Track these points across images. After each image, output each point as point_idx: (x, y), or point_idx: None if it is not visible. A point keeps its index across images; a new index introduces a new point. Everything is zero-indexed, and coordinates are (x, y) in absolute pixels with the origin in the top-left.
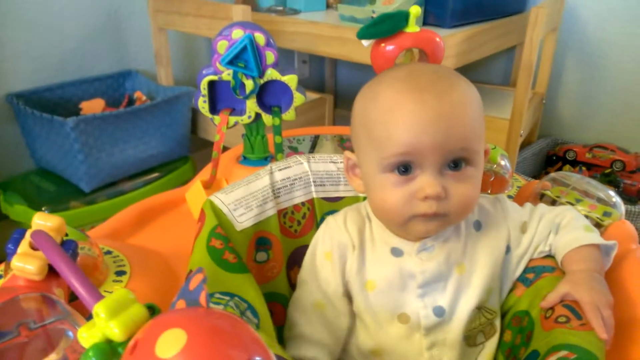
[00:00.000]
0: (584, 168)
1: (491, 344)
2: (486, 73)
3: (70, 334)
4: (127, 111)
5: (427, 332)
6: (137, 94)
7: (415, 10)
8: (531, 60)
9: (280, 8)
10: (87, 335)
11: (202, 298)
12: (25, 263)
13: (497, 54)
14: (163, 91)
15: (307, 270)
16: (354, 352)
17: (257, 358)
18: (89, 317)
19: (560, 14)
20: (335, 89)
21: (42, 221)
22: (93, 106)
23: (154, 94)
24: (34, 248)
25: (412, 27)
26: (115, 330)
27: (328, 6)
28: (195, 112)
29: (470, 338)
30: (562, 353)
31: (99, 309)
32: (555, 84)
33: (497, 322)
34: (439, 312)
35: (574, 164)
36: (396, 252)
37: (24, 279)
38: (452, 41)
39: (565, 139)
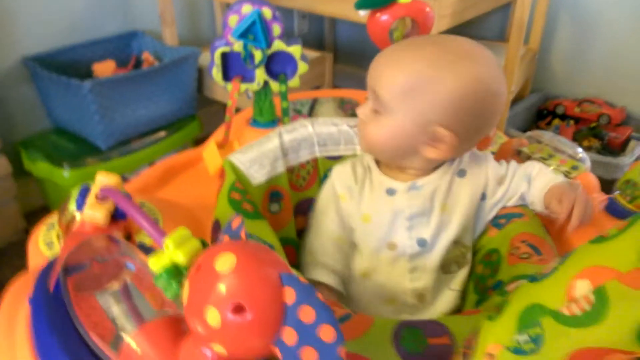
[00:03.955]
0: (572, 122)
1: (463, 272)
2: (482, 28)
3: (130, 265)
4: (139, 73)
5: (410, 258)
6: (145, 55)
7: None
8: (523, 17)
9: None
10: (157, 262)
11: (243, 233)
12: (95, 212)
13: (493, 10)
14: (169, 51)
15: (324, 207)
16: (351, 273)
17: (284, 273)
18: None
19: None
20: (335, 44)
21: (105, 178)
22: (105, 68)
23: (160, 54)
24: (99, 200)
25: None
26: (180, 257)
27: None
28: (201, 71)
29: (446, 266)
30: (521, 281)
31: (168, 242)
32: (548, 39)
33: (469, 255)
34: (421, 243)
35: (564, 118)
36: (390, 191)
37: (90, 225)
38: (448, 1)
39: (557, 93)
